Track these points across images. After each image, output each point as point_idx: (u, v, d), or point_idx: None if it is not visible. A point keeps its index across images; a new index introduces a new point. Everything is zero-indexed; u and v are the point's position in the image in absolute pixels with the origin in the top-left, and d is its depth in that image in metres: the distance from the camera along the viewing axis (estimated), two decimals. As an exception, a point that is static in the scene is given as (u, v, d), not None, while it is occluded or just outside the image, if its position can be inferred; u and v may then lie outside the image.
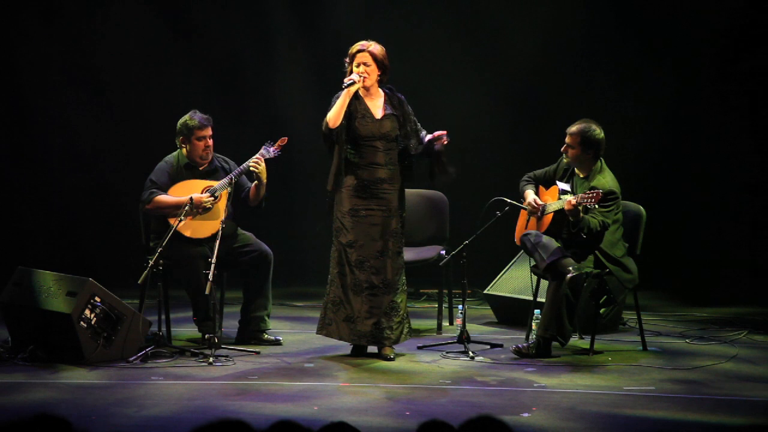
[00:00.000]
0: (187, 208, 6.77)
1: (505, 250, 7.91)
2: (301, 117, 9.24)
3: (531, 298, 7.26)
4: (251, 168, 6.93)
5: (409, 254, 7.39)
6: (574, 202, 6.44)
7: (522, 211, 7.05)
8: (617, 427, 5.29)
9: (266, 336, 7.10)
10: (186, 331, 7.37)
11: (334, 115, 6.49)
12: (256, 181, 6.99)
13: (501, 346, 6.94)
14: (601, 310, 7.20)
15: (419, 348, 6.90)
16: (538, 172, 7.07)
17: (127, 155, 9.21)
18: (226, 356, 6.58)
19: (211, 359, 6.46)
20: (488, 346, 6.94)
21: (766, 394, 5.88)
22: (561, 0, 9.32)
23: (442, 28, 9.49)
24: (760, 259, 9.00)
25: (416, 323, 7.70)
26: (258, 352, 6.78)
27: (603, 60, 9.28)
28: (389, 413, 5.42)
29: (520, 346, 6.72)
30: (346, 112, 6.52)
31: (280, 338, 7.13)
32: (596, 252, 6.67)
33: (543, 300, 6.80)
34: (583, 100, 9.06)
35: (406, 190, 6.82)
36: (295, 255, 9.20)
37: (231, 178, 6.92)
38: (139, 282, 6.61)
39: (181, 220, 6.73)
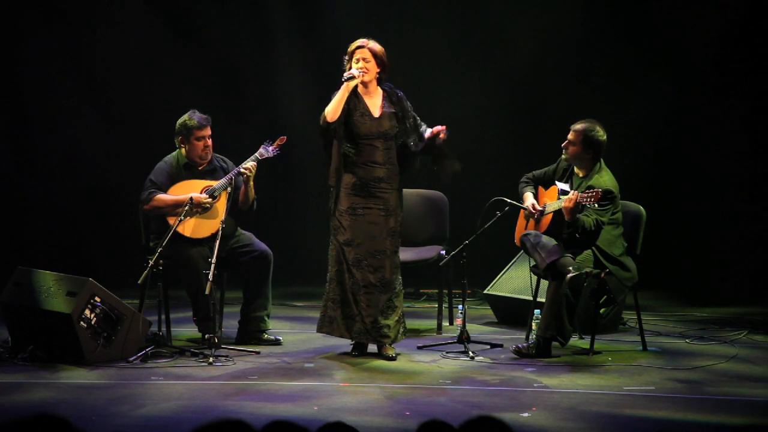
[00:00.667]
0: (187, 207, 6.77)
1: (505, 250, 7.90)
2: (300, 117, 9.23)
3: (531, 298, 7.26)
4: (243, 171, 6.90)
5: (409, 254, 7.39)
6: (573, 199, 6.45)
7: (522, 211, 7.06)
8: (617, 427, 5.29)
9: (266, 336, 7.10)
10: (186, 331, 7.37)
11: (333, 109, 6.49)
12: (244, 184, 6.99)
13: (501, 346, 6.94)
14: (601, 310, 7.20)
15: (419, 348, 6.90)
16: (537, 172, 7.08)
17: (128, 155, 9.20)
18: (226, 356, 6.58)
19: (211, 359, 6.46)
20: (488, 346, 6.94)
21: (766, 394, 5.87)
22: (561, 0, 9.32)
23: (442, 28, 9.49)
24: (760, 259, 9.00)
25: (416, 323, 7.72)
26: (258, 352, 6.78)
27: (603, 60, 9.27)
28: (389, 413, 5.42)
29: (520, 346, 6.73)
30: (344, 108, 6.52)
31: (280, 338, 7.13)
32: (595, 251, 6.67)
33: (543, 300, 6.80)
34: (582, 100, 9.05)
35: (406, 190, 6.82)
36: (295, 255, 9.19)
37: (230, 178, 6.92)
38: (139, 282, 6.61)
39: (180, 220, 6.74)
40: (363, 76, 6.55)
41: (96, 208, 9.39)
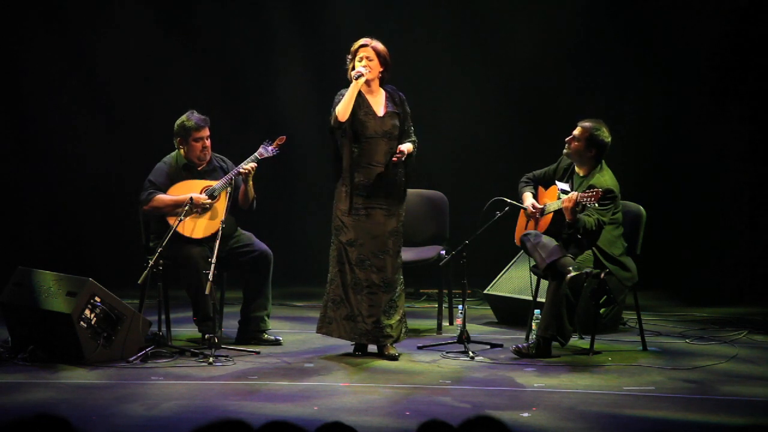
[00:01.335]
0: (186, 208, 6.77)
1: (505, 250, 7.91)
2: (300, 117, 9.24)
3: (531, 298, 7.26)
4: (242, 172, 6.90)
5: (409, 254, 7.39)
6: (573, 198, 6.45)
7: (522, 211, 7.06)
8: (617, 427, 5.29)
9: (266, 336, 7.10)
10: (186, 331, 7.37)
11: (344, 108, 6.48)
12: (244, 183, 6.99)
13: (501, 346, 6.94)
14: (601, 310, 7.20)
15: (419, 348, 6.90)
16: (538, 172, 7.08)
17: (128, 156, 9.20)
18: (226, 356, 6.58)
19: (211, 359, 6.46)
20: (488, 346, 6.94)
21: (766, 394, 5.88)
22: (560, 1, 9.32)
23: (442, 28, 9.49)
24: (760, 259, 9.00)
25: (416, 323, 7.71)
26: (258, 352, 6.78)
27: (603, 60, 9.27)
28: (389, 413, 5.42)
29: (520, 346, 6.72)
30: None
31: (280, 338, 7.13)
32: (595, 251, 6.67)
33: (543, 300, 6.80)
34: (582, 100, 9.05)
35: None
36: (295, 255, 9.19)
37: (230, 178, 6.92)
38: (139, 282, 6.61)
39: (180, 220, 6.74)
40: (368, 74, 6.55)
41: (96, 208, 9.39)
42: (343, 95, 6.51)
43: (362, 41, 6.61)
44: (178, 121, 7.08)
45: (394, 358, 6.58)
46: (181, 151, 7.08)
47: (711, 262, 9.10)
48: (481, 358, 6.66)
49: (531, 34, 9.29)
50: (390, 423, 5.25)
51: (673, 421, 5.36)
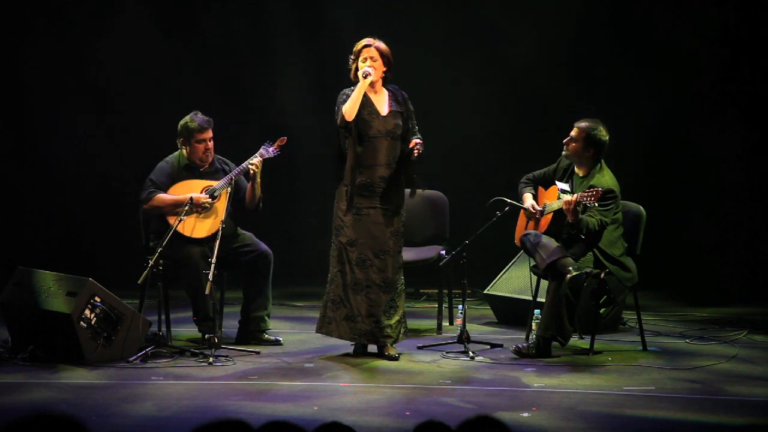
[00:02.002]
0: (187, 207, 6.77)
1: (505, 250, 7.91)
2: (300, 117, 9.24)
3: (531, 298, 7.26)
4: (249, 169, 6.92)
5: (409, 254, 7.39)
6: (573, 199, 6.45)
7: (522, 211, 7.06)
8: (617, 427, 5.29)
9: (266, 336, 7.10)
10: (186, 331, 7.37)
11: (351, 107, 6.47)
12: (251, 182, 6.99)
13: (501, 346, 6.94)
14: (601, 310, 7.20)
15: (419, 348, 6.90)
16: (537, 172, 7.08)
17: (128, 156, 9.20)
18: (226, 356, 6.58)
19: (211, 359, 6.46)
20: (488, 346, 6.94)
21: (766, 394, 5.88)
22: (560, 1, 9.32)
23: (442, 28, 9.49)
24: (760, 259, 9.00)
25: (416, 323, 7.71)
26: (258, 352, 6.78)
27: (602, 60, 9.27)
28: (389, 413, 5.42)
29: (520, 346, 6.72)
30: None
31: (280, 338, 7.13)
32: (595, 251, 6.68)
33: (543, 300, 6.80)
34: (582, 100, 9.05)
35: (406, 190, 6.80)
36: (295, 255, 9.19)
37: (231, 178, 6.92)
38: (139, 282, 6.61)
39: (180, 220, 6.74)
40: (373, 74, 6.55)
41: (96, 208, 9.38)
42: (347, 95, 6.50)
43: (365, 41, 6.60)
44: (182, 122, 7.07)
45: (394, 358, 6.58)
46: (184, 151, 7.08)
47: (711, 262, 9.09)
48: (481, 358, 6.66)
49: (530, 34, 9.29)
50: (390, 423, 5.25)
51: (673, 421, 5.36)
